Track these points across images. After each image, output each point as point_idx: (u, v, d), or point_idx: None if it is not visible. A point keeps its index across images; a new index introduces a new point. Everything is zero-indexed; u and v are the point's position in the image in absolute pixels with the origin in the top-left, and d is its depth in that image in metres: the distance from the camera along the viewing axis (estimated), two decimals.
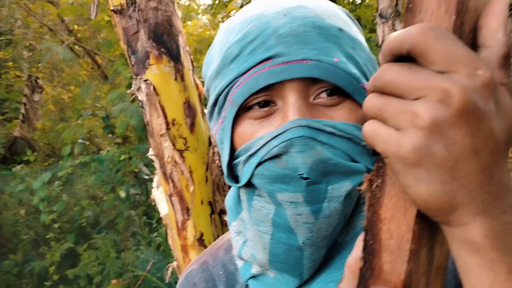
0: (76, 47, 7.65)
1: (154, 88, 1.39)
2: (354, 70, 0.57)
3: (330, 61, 0.54)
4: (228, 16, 7.86)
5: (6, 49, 8.35)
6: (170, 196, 1.50)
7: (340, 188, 0.55)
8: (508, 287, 0.37)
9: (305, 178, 0.53)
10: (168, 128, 1.42)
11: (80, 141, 7.30)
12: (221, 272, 0.75)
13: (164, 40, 1.38)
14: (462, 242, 0.39)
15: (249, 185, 0.60)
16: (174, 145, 1.44)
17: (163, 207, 1.67)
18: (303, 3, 0.58)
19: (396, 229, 0.44)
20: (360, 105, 0.56)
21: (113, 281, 5.23)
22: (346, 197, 0.56)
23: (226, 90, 0.58)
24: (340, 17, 0.60)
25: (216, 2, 6.53)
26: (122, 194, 5.67)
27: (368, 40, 5.21)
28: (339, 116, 0.56)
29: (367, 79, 0.59)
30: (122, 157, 5.82)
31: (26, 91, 7.75)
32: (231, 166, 0.62)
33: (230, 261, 0.76)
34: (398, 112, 0.38)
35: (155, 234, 6.51)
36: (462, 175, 0.37)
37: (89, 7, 6.56)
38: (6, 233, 6.92)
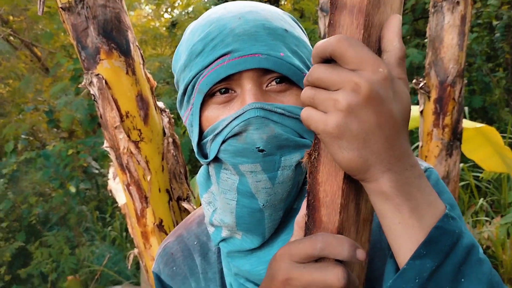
0: (12, 38, 7.28)
1: (106, 82, 1.43)
2: (298, 63, 0.68)
3: (278, 55, 0.66)
4: (172, 7, 7.78)
5: None
6: (128, 185, 1.55)
7: (291, 158, 0.67)
8: (411, 223, 0.52)
9: (262, 151, 0.65)
10: (122, 121, 1.47)
11: (23, 136, 7.01)
12: (195, 243, 0.87)
13: (114, 36, 1.42)
14: (376, 193, 0.53)
15: (216, 160, 0.70)
16: (129, 136, 1.49)
17: (121, 197, 1.72)
18: (254, 9, 0.70)
19: (330, 189, 0.57)
20: None
21: (69, 277, 5.16)
22: (296, 166, 0.68)
23: (193, 80, 0.69)
24: (286, 21, 0.72)
25: None
26: (73, 189, 5.54)
27: (312, 31, 5.39)
28: (288, 100, 0.68)
29: None
30: (70, 151, 5.67)
31: None
32: (201, 146, 0.73)
33: (202, 233, 0.87)
34: (324, 99, 0.51)
35: (109, 228, 6.44)
36: (372, 143, 0.50)
37: None
38: None
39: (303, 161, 0.62)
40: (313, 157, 0.59)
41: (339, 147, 0.51)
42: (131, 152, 1.50)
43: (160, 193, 1.58)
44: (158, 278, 0.88)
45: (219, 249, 0.84)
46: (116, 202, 5.87)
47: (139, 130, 1.51)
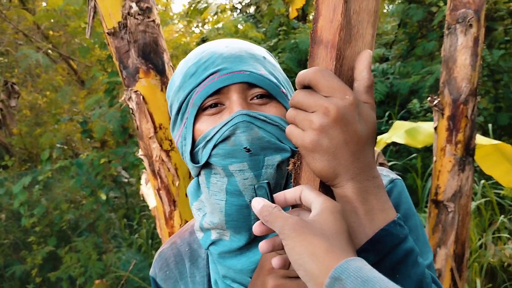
0: (51, 52, 7.67)
1: (143, 98, 1.62)
2: (275, 81, 0.81)
3: (259, 73, 0.78)
4: (203, 23, 8.08)
5: None
6: (158, 190, 1.73)
7: (273, 159, 0.77)
8: (363, 223, 0.62)
9: (248, 150, 0.75)
10: (156, 132, 1.66)
11: (58, 145, 7.31)
12: (187, 249, 0.96)
13: (151, 57, 1.61)
14: (341, 196, 0.63)
15: (207, 166, 0.80)
16: (161, 146, 1.67)
17: (151, 201, 1.89)
18: (238, 40, 0.85)
19: None
20: (282, 104, 0.81)
21: (97, 281, 5.32)
22: (277, 167, 0.78)
23: (187, 97, 0.80)
24: (264, 52, 0.86)
25: (191, 9, 6.73)
26: (103, 196, 5.74)
27: None
28: (268, 111, 0.79)
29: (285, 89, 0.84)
30: (102, 160, 5.90)
31: (2, 96, 7.70)
32: (193, 155, 0.82)
33: (194, 241, 0.97)
34: (302, 119, 0.62)
35: (136, 235, 6.61)
36: (339, 156, 0.60)
37: (64, 13, 6.64)
38: None
39: (289, 168, 0.72)
40: (296, 165, 0.70)
41: (313, 159, 0.61)
42: (163, 160, 1.68)
43: (187, 197, 1.74)
44: (154, 281, 0.97)
45: (208, 255, 0.93)
46: (143, 211, 6.02)
47: (170, 140, 1.69)
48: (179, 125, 0.83)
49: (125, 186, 7.09)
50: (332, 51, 0.63)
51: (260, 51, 0.85)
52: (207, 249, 0.87)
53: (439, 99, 2.35)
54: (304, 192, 0.63)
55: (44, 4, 7.37)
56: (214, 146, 0.76)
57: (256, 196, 0.65)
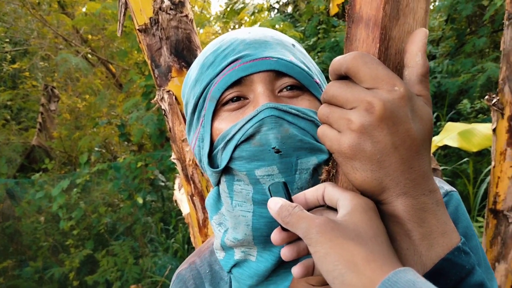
0: (90, 56, 7.82)
1: (175, 98, 1.51)
2: (307, 69, 0.68)
3: (288, 59, 0.66)
4: (240, 24, 8.02)
5: (22, 59, 8.57)
6: (192, 196, 1.61)
7: (308, 162, 0.64)
8: (419, 250, 0.49)
9: (278, 151, 0.62)
10: None
11: (96, 149, 7.43)
12: (207, 271, 0.85)
13: (184, 55, 1.50)
14: (389, 215, 0.50)
15: (228, 172, 0.68)
16: None
17: (185, 207, 1.79)
18: (263, 28, 0.74)
19: None
20: (316, 97, 0.68)
21: (132, 286, 5.34)
22: (313, 171, 0.65)
23: (205, 91, 0.68)
24: (292, 40, 0.74)
25: (228, 9, 6.69)
26: (140, 200, 5.75)
27: None
28: (301, 104, 0.67)
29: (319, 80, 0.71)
30: (139, 164, 5.92)
31: (42, 100, 7.91)
32: (211, 158, 0.70)
33: (215, 262, 0.85)
34: (338, 118, 0.50)
35: (172, 240, 6.60)
36: (386, 165, 0.47)
37: (102, 17, 6.73)
38: (26, 240, 7.03)
39: (322, 178, 0.60)
40: (331, 174, 0.58)
41: (352, 168, 0.49)
42: (196, 164, 1.57)
43: None
44: None
45: (231, 279, 0.80)
46: (180, 215, 6.00)
47: None
48: (196, 125, 0.71)
49: (162, 190, 7.12)
50: (375, 31, 0.50)
51: (288, 38, 0.73)
52: (229, 272, 0.75)
53: (498, 98, 2.13)
54: (327, 188, 0.53)
55: (83, 9, 7.51)
56: (236, 147, 0.64)
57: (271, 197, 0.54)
